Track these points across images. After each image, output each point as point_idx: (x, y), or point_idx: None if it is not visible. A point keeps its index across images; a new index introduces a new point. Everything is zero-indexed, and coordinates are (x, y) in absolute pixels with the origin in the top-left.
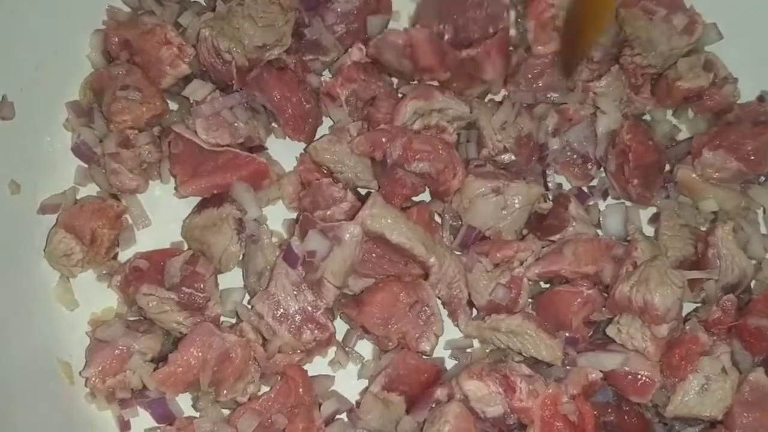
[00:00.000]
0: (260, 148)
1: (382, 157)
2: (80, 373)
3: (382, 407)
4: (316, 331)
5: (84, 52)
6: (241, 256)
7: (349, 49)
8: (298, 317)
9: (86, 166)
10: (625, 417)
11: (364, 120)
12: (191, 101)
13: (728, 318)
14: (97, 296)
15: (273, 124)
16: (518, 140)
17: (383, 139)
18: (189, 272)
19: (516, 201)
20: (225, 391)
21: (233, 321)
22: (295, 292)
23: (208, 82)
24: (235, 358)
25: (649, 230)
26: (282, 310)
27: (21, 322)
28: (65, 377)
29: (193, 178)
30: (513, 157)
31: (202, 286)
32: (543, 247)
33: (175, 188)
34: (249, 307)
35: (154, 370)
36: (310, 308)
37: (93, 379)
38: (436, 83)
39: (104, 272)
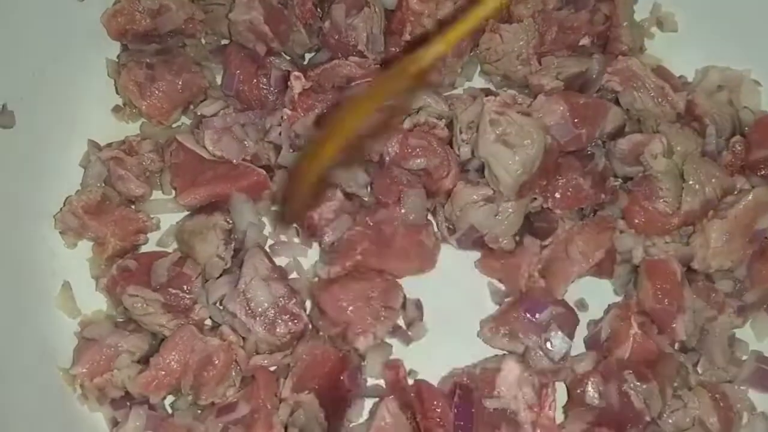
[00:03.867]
0: (268, 170)
1: (379, 158)
2: (68, 370)
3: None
4: (290, 323)
5: (83, 60)
6: (228, 265)
7: (289, 83)
8: (270, 311)
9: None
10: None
11: None
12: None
13: (739, 159)
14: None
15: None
16: None
17: None
18: (176, 273)
19: (509, 207)
20: (204, 396)
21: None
22: (265, 287)
23: (220, 99)
24: (218, 362)
25: None
26: (254, 306)
27: (22, 329)
28: (68, 385)
29: (192, 186)
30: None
31: (188, 287)
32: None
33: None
34: (221, 308)
35: (140, 372)
36: (282, 300)
37: (81, 376)
38: None
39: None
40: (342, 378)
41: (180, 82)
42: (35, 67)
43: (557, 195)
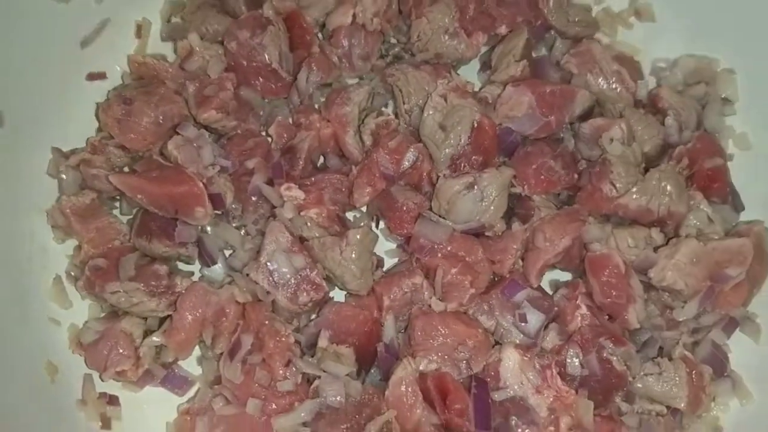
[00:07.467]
0: (220, 202)
1: (384, 185)
2: (101, 378)
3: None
4: (312, 293)
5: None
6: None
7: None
8: (293, 281)
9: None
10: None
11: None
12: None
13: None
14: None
15: None
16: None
17: (375, 180)
18: (146, 263)
19: (491, 190)
20: (221, 345)
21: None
22: (287, 259)
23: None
24: (230, 313)
25: None
26: (277, 277)
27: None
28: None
29: (131, 174)
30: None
31: (160, 273)
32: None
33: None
34: (244, 274)
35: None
36: (305, 270)
37: (118, 376)
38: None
39: (72, 273)
40: (378, 345)
41: (160, 115)
42: (24, 70)
43: (532, 181)
